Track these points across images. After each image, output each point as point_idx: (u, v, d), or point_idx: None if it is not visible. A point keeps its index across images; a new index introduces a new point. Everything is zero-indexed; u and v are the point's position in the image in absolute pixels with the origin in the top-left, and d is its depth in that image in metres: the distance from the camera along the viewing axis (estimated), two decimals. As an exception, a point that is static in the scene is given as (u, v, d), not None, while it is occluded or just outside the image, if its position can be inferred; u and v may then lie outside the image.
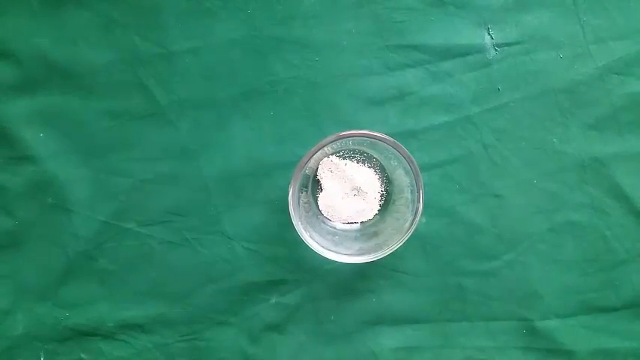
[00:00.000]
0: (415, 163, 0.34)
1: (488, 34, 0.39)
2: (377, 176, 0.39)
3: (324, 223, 0.39)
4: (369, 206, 0.39)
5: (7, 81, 0.39)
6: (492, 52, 0.39)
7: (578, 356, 0.40)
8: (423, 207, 0.34)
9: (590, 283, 0.40)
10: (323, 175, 0.39)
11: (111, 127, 0.39)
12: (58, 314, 0.40)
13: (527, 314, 0.40)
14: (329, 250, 0.35)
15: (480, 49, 0.39)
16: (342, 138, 0.33)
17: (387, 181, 0.39)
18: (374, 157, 0.39)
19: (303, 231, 0.34)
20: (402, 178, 0.36)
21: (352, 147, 0.39)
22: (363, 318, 0.40)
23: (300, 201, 0.38)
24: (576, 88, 0.39)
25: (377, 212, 0.39)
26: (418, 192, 0.34)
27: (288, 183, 0.34)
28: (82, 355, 0.40)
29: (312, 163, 0.37)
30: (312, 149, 0.33)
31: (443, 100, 0.39)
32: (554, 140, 0.40)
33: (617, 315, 0.41)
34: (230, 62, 0.39)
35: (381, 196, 0.39)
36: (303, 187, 0.39)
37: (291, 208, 0.34)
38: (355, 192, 0.39)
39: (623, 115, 0.40)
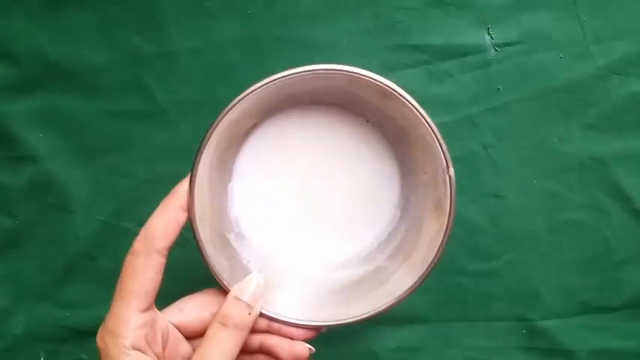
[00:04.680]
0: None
1: (488, 34, 0.39)
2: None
3: None
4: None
5: (7, 81, 0.39)
6: (492, 52, 0.39)
7: (578, 356, 0.40)
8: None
9: (590, 283, 0.40)
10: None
11: (111, 127, 0.39)
12: (58, 314, 0.40)
13: (527, 314, 0.40)
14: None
15: (480, 49, 0.39)
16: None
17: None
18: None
19: None
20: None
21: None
22: (363, 318, 0.40)
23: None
24: (576, 88, 0.39)
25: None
26: None
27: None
28: (82, 355, 0.40)
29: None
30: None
31: (443, 100, 0.39)
32: (554, 140, 0.40)
33: (617, 315, 0.41)
34: (230, 62, 0.39)
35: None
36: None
37: None
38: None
39: (623, 115, 0.40)
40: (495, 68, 0.39)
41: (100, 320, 0.41)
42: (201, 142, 0.25)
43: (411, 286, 0.27)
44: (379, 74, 0.39)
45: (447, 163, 0.26)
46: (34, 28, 0.39)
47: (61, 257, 0.40)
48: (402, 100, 0.26)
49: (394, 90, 0.26)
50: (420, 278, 0.27)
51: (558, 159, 0.40)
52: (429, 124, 0.26)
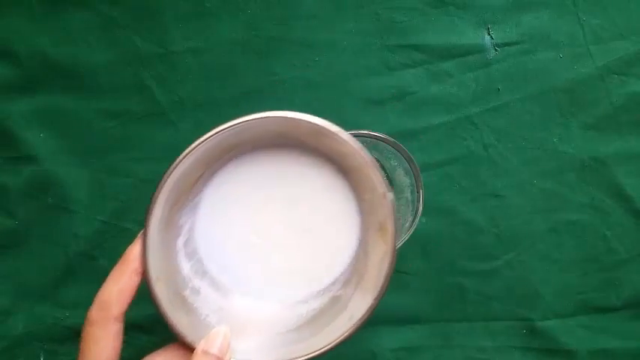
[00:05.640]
0: (415, 163, 0.34)
1: (489, 34, 0.39)
2: (377, 176, 0.39)
3: None
4: (369, 206, 0.39)
5: (7, 81, 0.39)
6: (492, 52, 0.39)
7: (578, 356, 0.40)
8: (423, 207, 0.34)
9: (590, 283, 0.40)
10: (323, 175, 0.38)
11: (111, 127, 0.39)
12: (58, 314, 0.40)
13: (527, 314, 0.40)
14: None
15: (480, 49, 0.39)
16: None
17: (387, 181, 0.39)
18: (374, 157, 0.39)
19: None
20: (402, 178, 0.36)
21: (352, 147, 0.38)
22: (363, 318, 0.40)
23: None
24: (576, 88, 0.39)
25: (377, 212, 0.39)
26: (418, 192, 0.34)
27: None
28: (82, 355, 0.40)
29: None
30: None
31: (443, 100, 0.39)
32: (554, 140, 0.40)
33: (617, 315, 0.41)
34: (230, 62, 0.39)
35: (381, 196, 0.39)
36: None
37: None
38: (355, 192, 0.39)
39: (623, 115, 0.40)
40: (495, 68, 0.39)
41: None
42: (150, 204, 0.25)
43: (368, 308, 0.27)
44: (379, 75, 0.39)
45: (383, 189, 0.27)
46: (34, 28, 0.39)
47: (61, 257, 0.40)
48: (334, 136, 0.26)
49: (324, 127, 0.26)
50: (375, 300, 0.27)
51: (558, 159, 0.40)
52: (362, 155, 0.27)
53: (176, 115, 0.39)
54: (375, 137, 0.33)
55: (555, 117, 0.40)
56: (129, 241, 0.26)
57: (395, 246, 0.27)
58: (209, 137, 0.26)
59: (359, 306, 0.28)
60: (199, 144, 0.26)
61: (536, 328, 0.40)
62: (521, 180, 0.40)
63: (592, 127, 0.40)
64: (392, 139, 0.33)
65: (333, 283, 0.31)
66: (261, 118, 0.25)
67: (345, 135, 0.26)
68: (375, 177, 0.27)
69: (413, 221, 0.34)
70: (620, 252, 0.40)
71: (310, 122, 0.26)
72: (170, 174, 0.25)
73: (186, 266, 0.28)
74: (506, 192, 0.40)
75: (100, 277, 0.40)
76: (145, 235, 0.26)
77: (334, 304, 0.29)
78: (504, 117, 0.40)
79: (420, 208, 0.34)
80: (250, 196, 0.30)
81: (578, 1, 0.39)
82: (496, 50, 0.39)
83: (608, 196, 0.40)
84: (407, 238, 0.34)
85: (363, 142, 0.36)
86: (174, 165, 0.25)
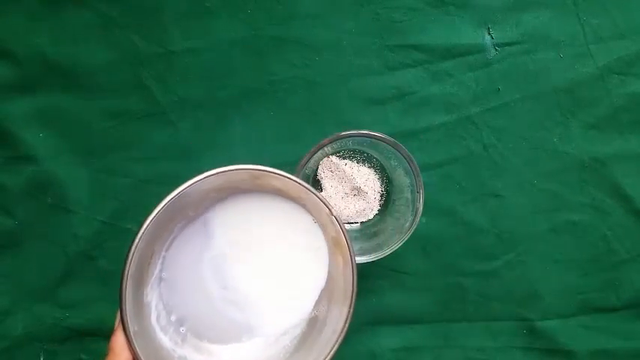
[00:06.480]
0: (415, 163, 0.34)
1: (489, 34, 0.39)
2: (377, 176, 0.39)
3: None
4: (369, 206, 0.39)
5: (7, 81, 0.39)
6: (492, 52, 0.39)
7: (578, 356, 0.40)
8: (423, 207, 0.34)
9: (590, 283, 0.40)
10: (323, 175, 0.39)
11: (111, 127, 0.39)
12: (58, 314, 0.40)
13: (527, 314, 0.40)
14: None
15: (480, 49, 0.39)
16: (342, 138, 0.33)
17: (387, 181, 0.39)
18: (374, 157, 0.39)
19: None
20: (402, 178, 0.36)
21: (352, 147, 0.39)
22: (363, 318, 0.40)
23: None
24: (576, 87, 0.39)
25: (377, 212, 0.39)
26: (418, 192, 0.34)
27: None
28: (82, 356, 0.40)
29: (312, 163, 0.37)
30: (312, 149, 0.33)
31: (443, 100, 0.39)
32: (555, 140, 0.40)
33: (617, 315, 0.41)
34: (230, 62, 0.39)
35: (381, 196, 0.39)
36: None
37: None
38: (355, 192, 0.39)
39: (623, 115, 0.40)
40: (495, 68, 0.39)
41: (99, 320, 0.41)
42: (121, 295, 0.26)
43: (347, 317, 0.28)
44: (379, 75, 0.39)
45: (326, 207, 0.28)
46: (34, 27, 0.39)
47: (61, 257, 0.40)
48: (267, 175, 0.27)
49: (255, 169, 0.27)
50: (350, 307, 0.28)
51: (558, 159, 0.40)
52: (298, 183, 0.27)
53: (176, 115, 0.39)
54: (375, 137, 0.33)
55: (555, 117, 0.40)
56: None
57: (352, 253, 0.28)
58: (154, 216, 0.26)
59: (337, 318, 0.28)
60: (148, 224, 0.26)
61: (536, 329, 0.40)
62: (522, 180, 0.40)
63: (592, 126, 0.40)
64: (392, 139, 0.33)
65: None
66: (201, 179, 0.26)
67: (276, 171, 0.27)
68: (316, 198, 0.28)
69: (413, 221, 0.34)
70: (621, 252, 0.40)
71: (248, 168, 0.26)
72: (129, 262, 0.26)
73: (165, 340, 0.29)
74: (507, 192, 0.40)
75: (99, 277, 0.40)
76: (125, 325, 0.26)
77: (313, 325, 0.30)
78: (504, 117, 0.40)
79: (420, 208, 0.34)
80: (205, 252, 0.30)
81: (579, 0, 0.39)
82: (496, 50, 0.39)
83: (608, 196, 0.40)
84: (407, 238, 0.34)
85: (363, 142, 0.36)
86: (131, 251, 0.26)
